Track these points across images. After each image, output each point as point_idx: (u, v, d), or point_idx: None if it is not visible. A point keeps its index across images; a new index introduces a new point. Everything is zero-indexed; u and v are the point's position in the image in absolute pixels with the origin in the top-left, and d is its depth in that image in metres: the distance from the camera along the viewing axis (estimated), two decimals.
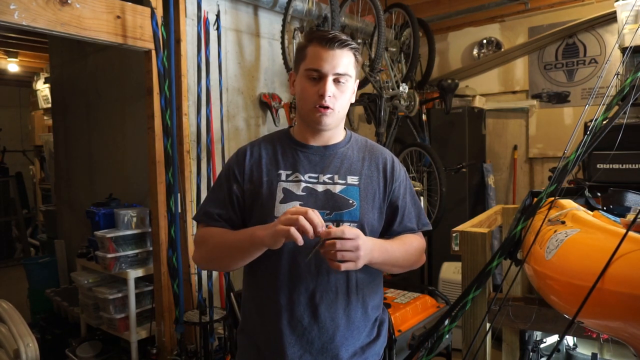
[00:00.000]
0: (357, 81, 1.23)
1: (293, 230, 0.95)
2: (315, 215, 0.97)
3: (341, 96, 1.14)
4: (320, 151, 1.20)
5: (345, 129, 1.27)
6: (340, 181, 1.18)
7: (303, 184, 1.15)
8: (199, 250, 1.20)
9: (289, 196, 1.14)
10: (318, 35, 1.14)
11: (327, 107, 1.12)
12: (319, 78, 1.12)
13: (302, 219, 0.95)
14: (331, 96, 1.11)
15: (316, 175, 1.17)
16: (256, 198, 1.16)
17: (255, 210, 1.16)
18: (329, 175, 1.18)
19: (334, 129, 1.21)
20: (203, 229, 1.20)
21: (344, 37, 1.13)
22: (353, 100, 1.22)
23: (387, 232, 1.23)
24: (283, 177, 1.17)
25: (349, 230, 0.99)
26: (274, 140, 1.24)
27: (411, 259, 1.22)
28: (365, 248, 1.02)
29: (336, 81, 1.12)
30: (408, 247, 1.21)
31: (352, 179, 1.19)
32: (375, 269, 1.19)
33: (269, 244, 1.02)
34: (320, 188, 1.16)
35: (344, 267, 1.00)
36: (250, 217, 1.17)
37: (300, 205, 1.13)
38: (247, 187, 1.17)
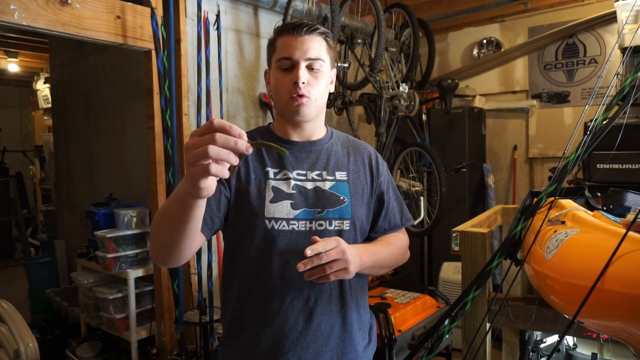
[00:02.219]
0: (334, 70, 1.19)
1: (214, 167, 0.72)
2: (222, 127, 0.73)
3: (316, 83, 1.10)
4: (305, 147, 1.17)
5: (325, 125, 1.24)
6: (329, 177, 1.15)
7: (292, 182, 1.12)
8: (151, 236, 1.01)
9: (278, 195, 1.10)
10: (285, 26, 1.12)
11: (303, 95, 1.08)
12: (292, 67, 1.09)
13: (211, 148, 0.71)
14: (305, 83, 1.07)
15: (304, 172, 1.14)
16: (243, 197, 1.10)
17: (243, 209, 1.10)
18: (317, 172, 1.15)
19: (314, 121, 1.17)
20: None
21: (311, 23, 1.12)
22: (332, 90, 1.19)
23: (373, 227, 1.23)
24: (271, 175, 1.12)
25: (328, 241, 0.97)
26: (255, 137, 1.17)
27: (397, 258, 1.23)
28: (351, 253, 0.99)
29: (309, 68, 1.09)
30: (393, 247, 1.21)
31: (341, 175, 1.17)
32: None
33: (194, 193, 0.78)
34: (309, 185, 1.13)
35: (333, 277, 0.97)
36: (237, 217, 1.10)
37: (292, 204, 1.10)
38: (233, 183, 1.10)
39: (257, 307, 1.11)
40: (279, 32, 1.13)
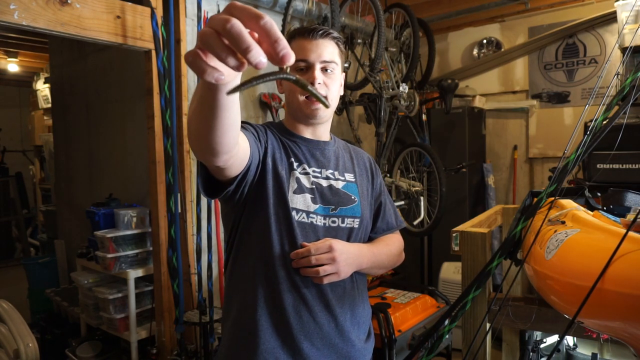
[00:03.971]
0: (344, 74, 1.23)
1: (190, 56, 0.52)
2: (246, 17, 0.49)
3: (332, 84, 1.14)
4: (320, 146, 1.20)
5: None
6: (341, 177, 1.19)
7: (312, 178, 1.15)
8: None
9: (300, 188, 1.12)
10: (300, 30, 1.15)
11: None
12: (307, 69, 1.12)
13: (206, 36, 0.50)
14: (321, 83, 1.11)
15: (319, 170, 1.17)
16: (273, 179, 1.08)
17: (269, 192, 1.08)
18: (330, 171, 1.19)
19: (326, 123, 1.21)
20: None
21: (325, 27, 1.15)
22: (342, 93, 1.23)
23: (372, 228, 1.27)
24: (294, 167, 1.13)
25: (320, 244, 1.04)
26: (272, 129, 1.18)
27: (393, 259, 1.28)
28: (345, 257, 1.06)
29: (324, 70, 1.13)
30: (391, 248, 1.26)
31: (349, 176, 1.22)
32: None
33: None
34: (324, 183, 1.16)
35: (326, 280, 1.05)
36: (258, 199, 1.07)
37: (312, 198, 1.11)
38: (268, 162, 1.09)
39: (273, 298, 1.08)
40: (294, 35, 1.15)
